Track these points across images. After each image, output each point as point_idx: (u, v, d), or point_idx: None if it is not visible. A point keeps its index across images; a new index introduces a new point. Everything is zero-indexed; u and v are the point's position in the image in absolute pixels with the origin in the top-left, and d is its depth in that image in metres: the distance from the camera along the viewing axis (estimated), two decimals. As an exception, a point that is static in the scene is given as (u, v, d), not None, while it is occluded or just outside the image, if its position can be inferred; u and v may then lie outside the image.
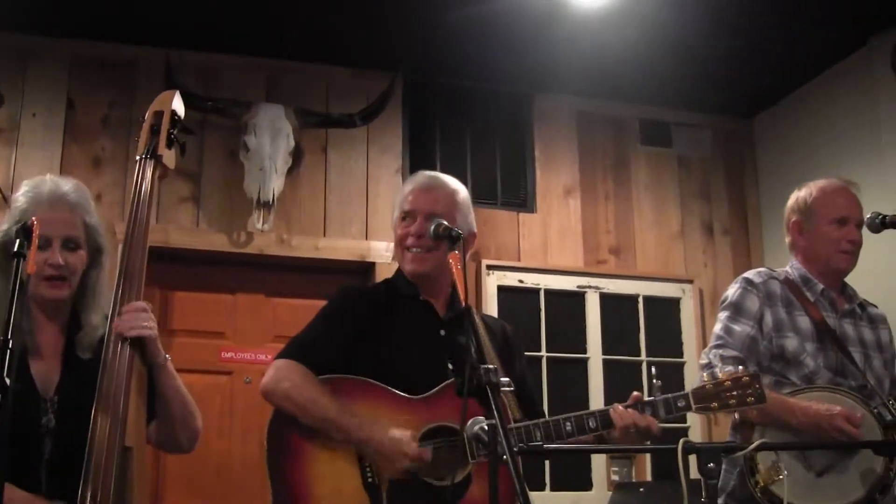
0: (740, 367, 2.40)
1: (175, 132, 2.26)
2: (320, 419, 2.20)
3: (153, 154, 2.20)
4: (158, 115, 2.26)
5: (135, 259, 2.08)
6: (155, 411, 2.12)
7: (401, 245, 2.43)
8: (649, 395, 2.31)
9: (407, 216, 2.42)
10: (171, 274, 4.53)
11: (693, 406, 2.30)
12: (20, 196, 2.10)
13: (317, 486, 2.18)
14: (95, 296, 2.17)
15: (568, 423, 2.26)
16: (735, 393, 2.31)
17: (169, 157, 2.23)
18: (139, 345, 2.01)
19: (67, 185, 2.15)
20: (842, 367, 2.72)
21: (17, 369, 1.91)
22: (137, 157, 2.20)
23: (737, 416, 2.70)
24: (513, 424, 2.24)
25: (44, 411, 2.02)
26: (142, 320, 2.00)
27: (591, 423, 2.27)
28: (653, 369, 2.41)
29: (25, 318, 2.03)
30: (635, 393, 2.33)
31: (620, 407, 2.28)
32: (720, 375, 2.34)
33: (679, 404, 2.30)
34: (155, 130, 2.23)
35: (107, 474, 1.86)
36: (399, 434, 2.16)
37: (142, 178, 2.16)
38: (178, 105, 2.30)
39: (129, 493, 1.92)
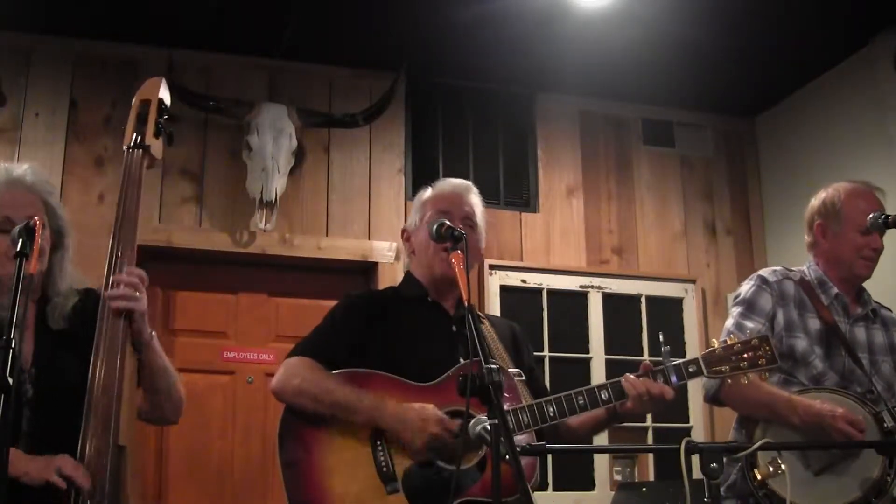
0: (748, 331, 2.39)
1: (162, 121, 2.21)
2: (336, 405, 2.20)
3: (140, 144, 2.16)
4: (145, 103, 2.21)
5: (125, 239, 2.05)
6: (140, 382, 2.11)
7: (436, 251, 2.33)
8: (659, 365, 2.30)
9: (445, 215, 2.34)
10: (174, 274, 4.53)
11: (705, 371, 2.30)
12: None
13: (331, 479, 2.17)
14: (63, 276, 2.16)
15: (580, 397, 2.26)
16: (746, 355, 2.31)
17: (157, 146, 2.19)
18: (127, 319, 1.98)
19: (23, 167, 2.13)
20: (849, 373, 2.72)
21: None
22: (125, 147, 2.16)
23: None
24: (524, 403, 2.24)
25: (22, 382, 2.00)
26: (131, 293, 1.98)
27: (603, 395, 2.27)
28: (660, 336, 2.38)
29: None
30: (645, 361, 2.32)
31: (632, 376, 2.27)
32: (729, 340, 2.34)
33: (690, 370, 2.30)
34: (142, 119, 2.18)
35: (100, 473, 1.85)
36: (420, 405, 2.16)
37: (129, 169, 2.13)
38: (164, 93, 2.25)
39: (123, 492, 1.91)
